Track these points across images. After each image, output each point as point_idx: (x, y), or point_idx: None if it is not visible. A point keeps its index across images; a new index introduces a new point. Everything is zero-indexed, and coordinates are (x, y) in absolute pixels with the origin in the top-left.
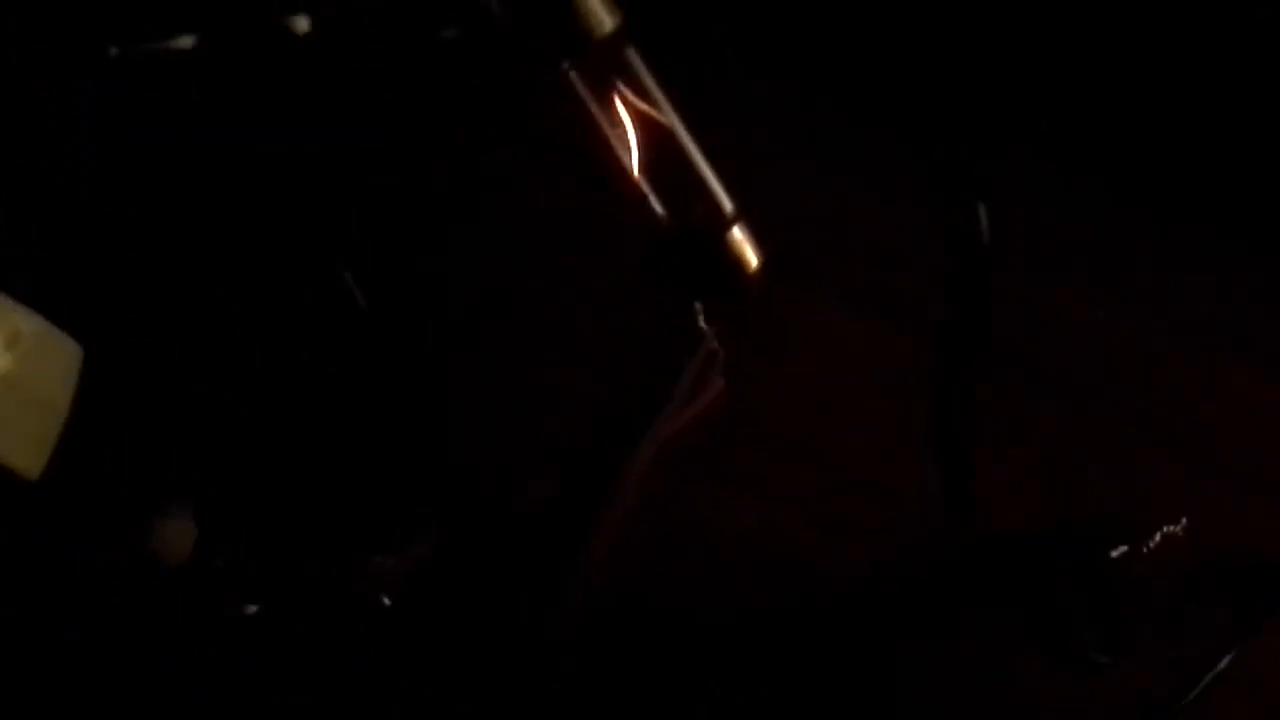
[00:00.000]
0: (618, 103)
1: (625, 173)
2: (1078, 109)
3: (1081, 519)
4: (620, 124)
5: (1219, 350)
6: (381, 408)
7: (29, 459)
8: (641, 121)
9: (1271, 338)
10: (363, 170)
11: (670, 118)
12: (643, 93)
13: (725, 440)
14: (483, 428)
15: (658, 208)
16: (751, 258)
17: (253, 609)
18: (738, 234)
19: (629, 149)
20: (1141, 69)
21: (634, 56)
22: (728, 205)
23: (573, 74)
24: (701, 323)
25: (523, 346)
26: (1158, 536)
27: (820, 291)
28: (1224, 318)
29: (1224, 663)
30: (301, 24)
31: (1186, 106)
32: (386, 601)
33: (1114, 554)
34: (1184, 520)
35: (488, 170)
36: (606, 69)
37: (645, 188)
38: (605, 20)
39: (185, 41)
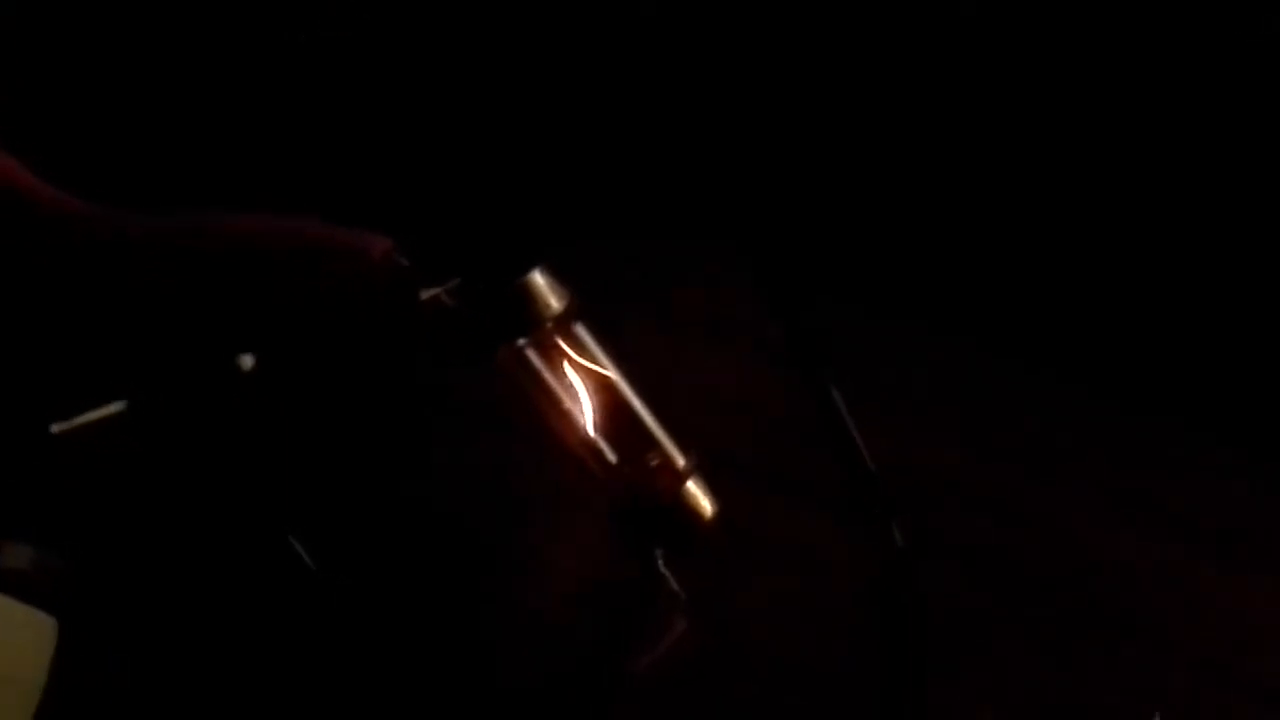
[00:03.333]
0: (569, 370)
1: (580, 433)
2: (1044, 306)
3: None
4: (573, 389)
5: (1185, 542)
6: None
7: None
8: (594, 385)
9: (1244, 532)
10: (311, 437)
11: (619, 380)
12: (592, 359)
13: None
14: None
15: (613, 462)
16: (707, 508)
17: None
18: (692, 487)
19: (583, 410)
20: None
21: (582, 329)
22: (680, 460)
23: (528, 350)
24: (661, 567)
25: (488, 573)
26: None
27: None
28: (1190, 510)
29: None
30: (247, 361)
31: (1153, 294)
32: None
33: None
34: (1157, 716)
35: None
36: (556, 342)
37: (600, 445)
38: (554, 302)
39: (116, 406)
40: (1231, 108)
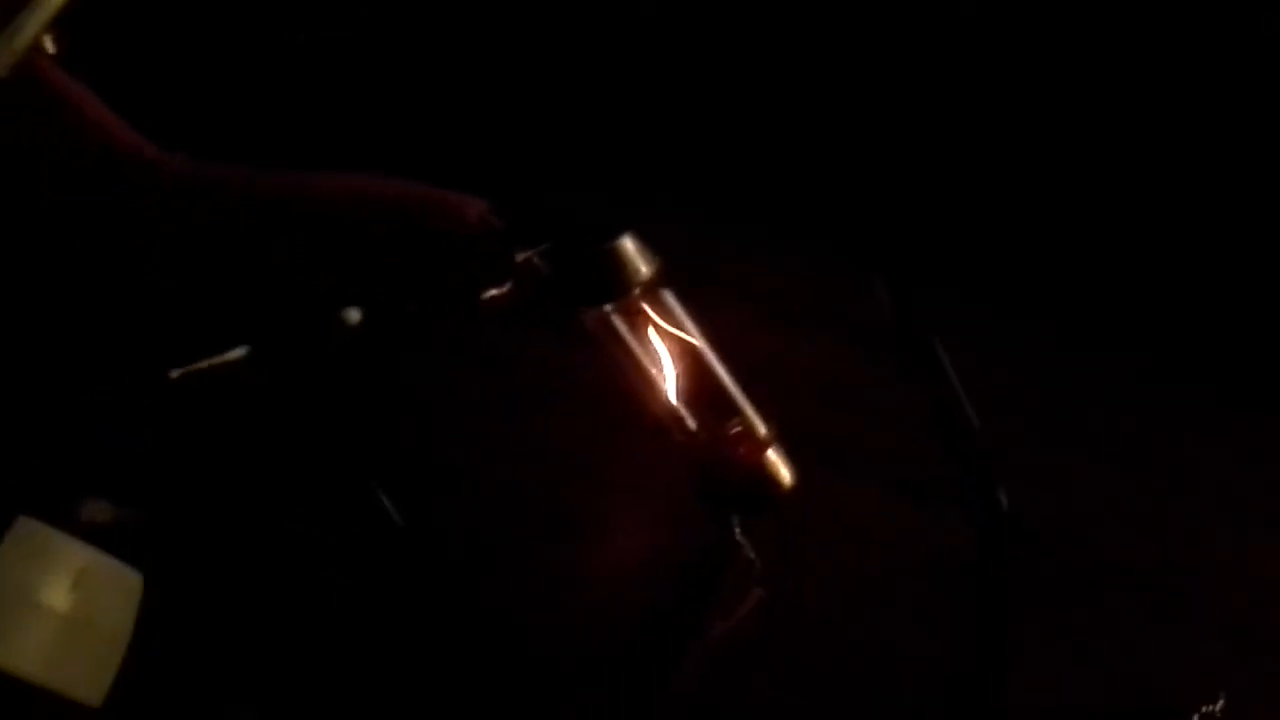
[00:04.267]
0: (654, 336)
1: (663, 399)
2: (1128, 295)
3: (1119, 705)
4: (658, 355)
5: (1251, 526)
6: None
7: (91, 690)
8: (678, 351)
9: None
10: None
11: (704, 347)
12: (678, 325)
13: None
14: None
15: (695, 429)
16: (786, 476)
17: None
18: (772, 455)
19: (665, 376)
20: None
21: (669, 296)
22: (762, 429)
23: (614, 315)
24: (738, 535)
25: (562, 544)
26: (1196, 718)
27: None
28: (1260, 495)
29: None
30: (354, 315)
31: (1197, 278)
32: None
33: None
34: (1221, 700)
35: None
36: (643, 308)
37: (683, 412)
38: (643, 268)
39: (237, 353)
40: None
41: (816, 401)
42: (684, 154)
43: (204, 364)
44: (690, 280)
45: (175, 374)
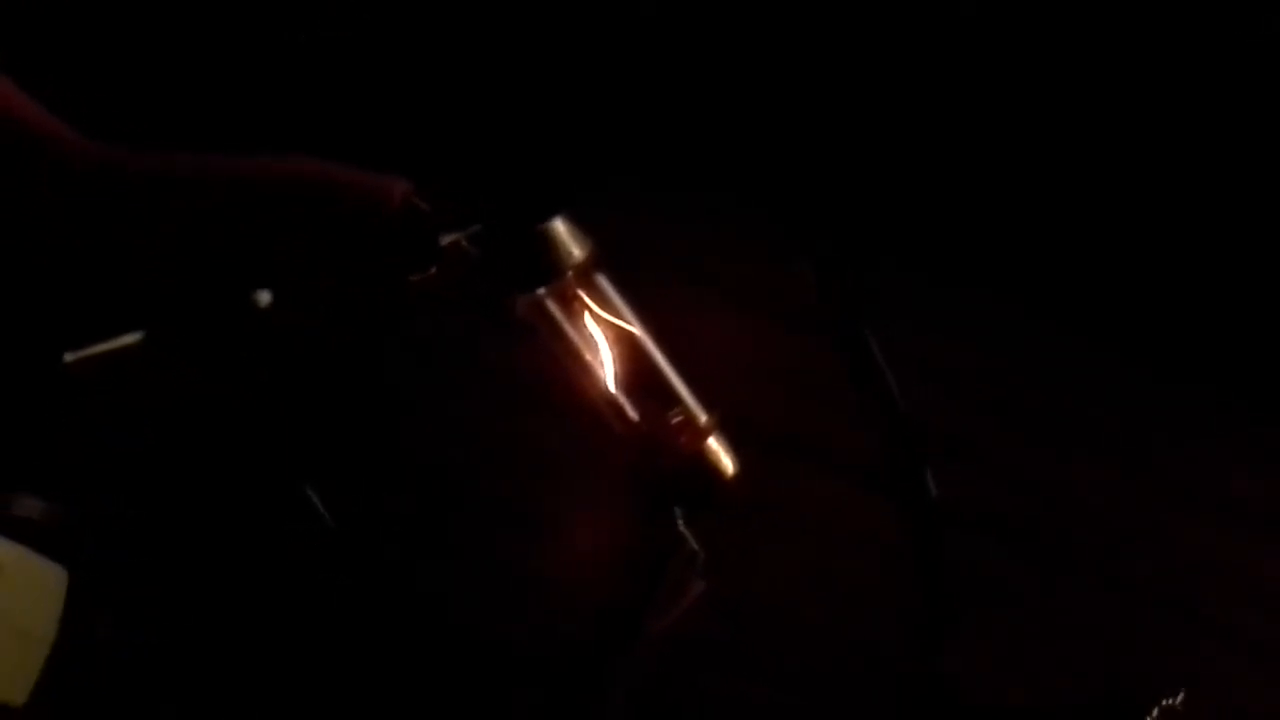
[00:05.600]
0: (590, 322)
1: (600, 387)
2: (1078, 272)
3: (1080, 699)
4: (594, 342)
5: (1215, 515)
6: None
7: (13, 689)
8: (615, 338)
9: (1272, 506)
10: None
11: (641, 334)
12: (614, 311)
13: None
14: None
15: (634, 418)
16: (728, 466)
17: None
18: (713, 444)
19: (603, 365)
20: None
21: (603, 280)
22: (702, 416)
23: (548, 300)
24: (681, 527)
25: (506, 538)
26: (1156, 711)
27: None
28: (1225, 485)
29: None
30: (264, 298)
31: (1192, 275)
32: None
33: None
34: (1182, 693)
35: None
36: (577, 293)
37: (621, 400)
38: (575, 251)
39: (132, 337)
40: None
41: (772, 389)
42: (641, 133)
43: (99, 348)
44: (639, 264)
45: (70, 359)
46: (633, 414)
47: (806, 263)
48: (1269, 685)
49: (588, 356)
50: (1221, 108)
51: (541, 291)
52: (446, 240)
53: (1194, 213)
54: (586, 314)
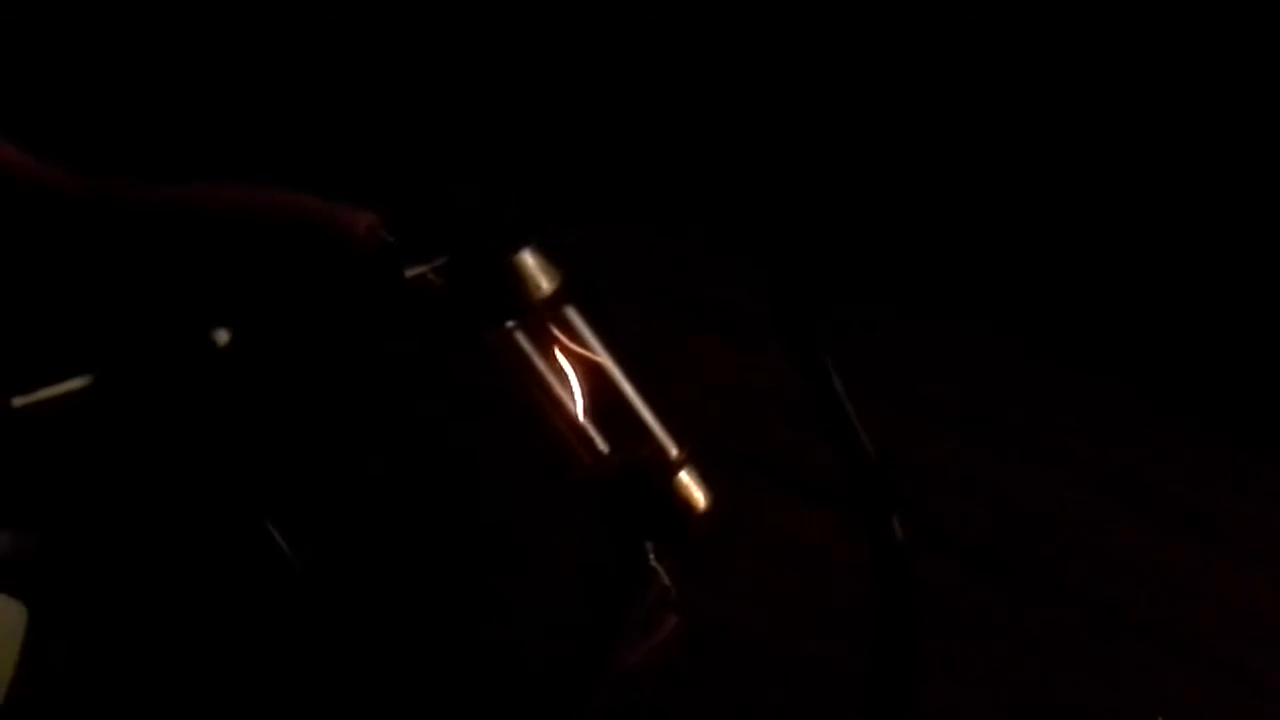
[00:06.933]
0: (559, 354)
1: (570, 419)
2: (1044, 293)
3: None
4: (564, 374)
5: (1198, 540)
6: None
7: None
8: (585, 370)
9: (1242, 526)
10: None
11: (611, 366)
12: (583, 344)
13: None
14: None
15: (604, 451)
16: (700, 499)
17: None
18: (685, 477)
19: (573, 397)
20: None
21: (572, 312)
22: (673, 450)
23: (517, 333)
24: (652, 561)
25: (477, 567)
26: None
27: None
28: (1192, 504)
29: None
30: (222, 336)
31: (1152, 284)
32: None
33: None
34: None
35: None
36: (547, 326)
37: (591, 432)
38: (544, 283)
39: (78, 382)
40: (1235, 102)
41: (739, 417)
42: (615, 159)
43: (47, 393)
44: (610, 289)
45: (18, 403)
46: (603, 447)
47: (766, 289)
48: (1248, 713)
49: (557, 389)
50: (1180, 128)
51: (510, 324)
52: (412, 273)
53: (1171, 231)
54: (556, 346)
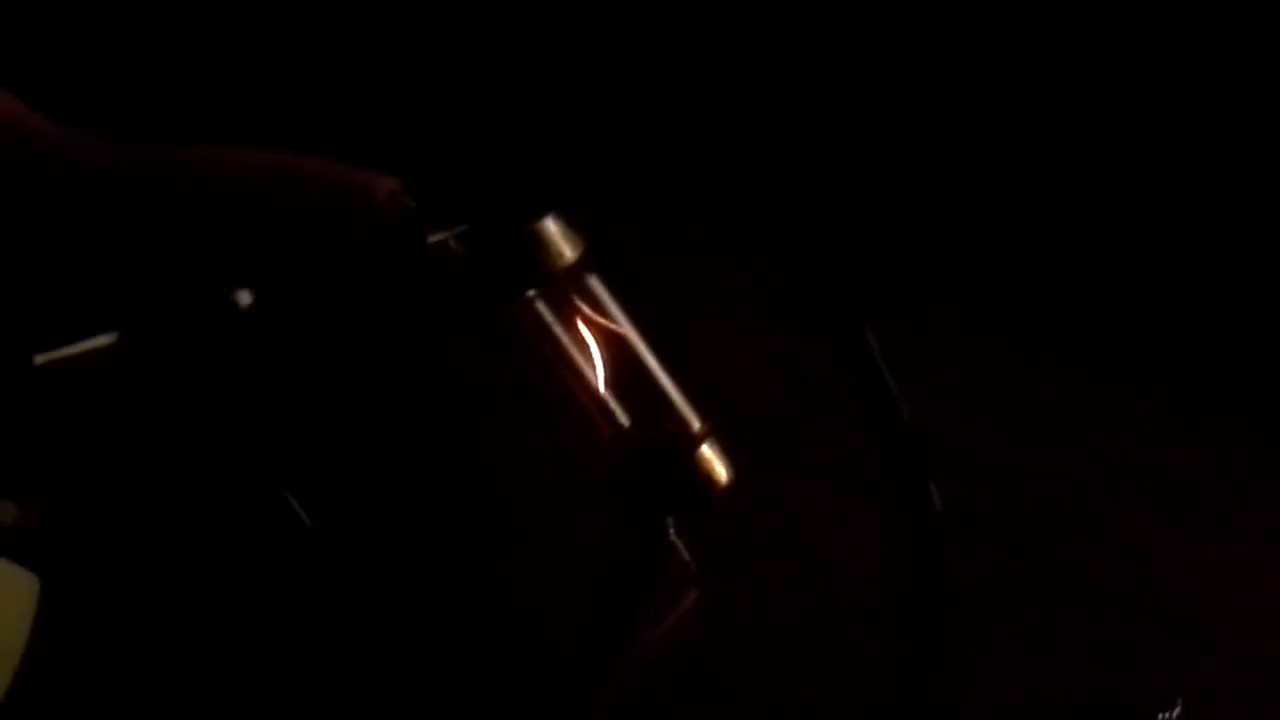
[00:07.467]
0: (581, 325)
1: (592, 391)
2: (1064, 287)
3: (1076, 711)
4: (585, 345)
5: (1209, 526)
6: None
7: None
8: (606, 341)
9: (1257, 514)
10: (312, 391)
11: (633, 337)
12: (606, 315)
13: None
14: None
15: (625, 424)
16: (721, 474)
17: None
18: (706, 451)
19: (595, 369)
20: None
21: (595, 281)
22: (695, 423)
23: (538, 302)
24: (673, 536)
25: (497, 545)
26: None
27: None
28: (1227, 501)
29: None
30: (244, 298)
31: (1167, 280)
32: None
33: None
34: (1179, 706)
35: (447, 386)
36: (570, 294)
37: (612, 405)
38: (566, 251)
39: (105, 339)
40: (1236, 100)
41: (772, 398)
42: (626, 144)
43: (71, 350)
44: (630, 270)
45: (40, 360)
46: (623, 419)
47: (802, 273)
48: (1268, 700)
49: (578, 360)
50: (1190, 124)
51: (532, 293)
52: (434, 239)
53: (1179, 223)
54: (578, 316)
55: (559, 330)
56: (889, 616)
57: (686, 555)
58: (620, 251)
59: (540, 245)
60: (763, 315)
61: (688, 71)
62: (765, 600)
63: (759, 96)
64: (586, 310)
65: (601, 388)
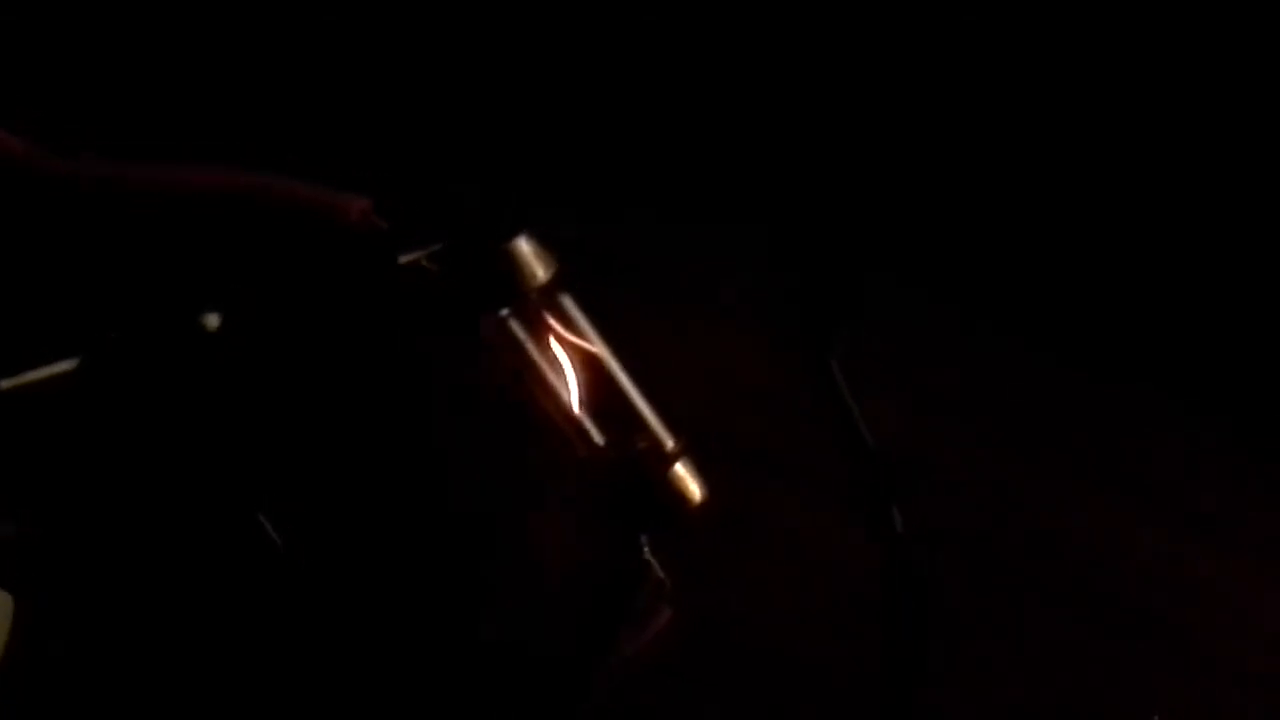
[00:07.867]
0: (555, 344)
1: (565, 410)
2: (1049, 291)
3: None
4: (558, 364)
5: (1198, 541)
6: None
7: None
8: (580, 361)
9: (1245, 527)
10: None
11: (607, 356)
12: (579, 333)
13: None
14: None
15: (599, 442)
16: (695, 492)
17: None
18: (680, 469)
19: (568, 387)
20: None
21: (568, 300)
22: (669, 441)
23: (511, 321)
24: (647, 554)
25: (474, 561)
26: None
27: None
28: (1212, 513)
29: None
30: (212, 320)
31: (1151, 283)
32: None
33: None
34: (1156, 718)
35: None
36: (543, 313)
37: (586, 424)
38: (539, 271)
39: (65, 365)
40: (1236, 101)
41: (753, 408)
42: (618, 148)
43: (32, 376)
44: (630, 270)
45: (4, 386)
46: (597, 438)
47: (799, 281)
48: (1247, 711)
49: (552, 378)
50: (1195, 129)
51: (505, 312)
52: (406, 259)
53: (1180, 227)
54: (551, 335)
55: (532, 349)
56: (885, 619)
57: (661, 573)
58: (620, 252)
59: (514, 264)
60: (762, 316)
61: (688, 72)
62: (762, 602)
63: (760, 98)
64: (559, 329)
65: (575, 406)
